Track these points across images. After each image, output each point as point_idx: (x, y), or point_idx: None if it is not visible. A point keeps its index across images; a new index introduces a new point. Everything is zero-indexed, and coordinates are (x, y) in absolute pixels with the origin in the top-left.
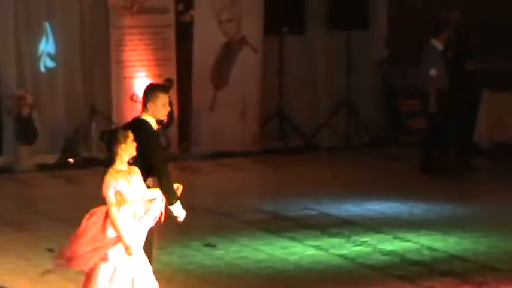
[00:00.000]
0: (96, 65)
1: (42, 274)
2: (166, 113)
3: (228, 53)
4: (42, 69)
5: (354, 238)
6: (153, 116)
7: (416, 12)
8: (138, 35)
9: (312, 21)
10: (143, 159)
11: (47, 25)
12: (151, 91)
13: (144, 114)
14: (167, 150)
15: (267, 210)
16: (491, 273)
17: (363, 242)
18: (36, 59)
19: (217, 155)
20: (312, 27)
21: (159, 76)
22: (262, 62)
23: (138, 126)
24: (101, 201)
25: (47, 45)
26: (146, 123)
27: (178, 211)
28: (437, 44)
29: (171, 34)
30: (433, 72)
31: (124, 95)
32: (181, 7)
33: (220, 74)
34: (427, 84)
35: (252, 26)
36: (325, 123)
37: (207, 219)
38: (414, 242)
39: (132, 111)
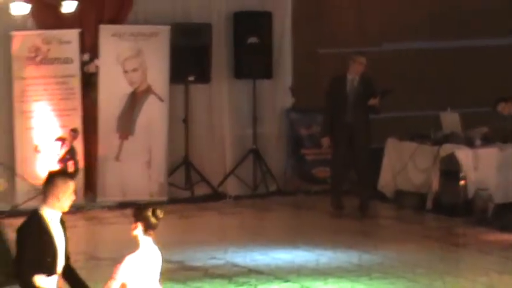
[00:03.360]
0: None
1: None
2: (71, 203)
3: (133, 102)
4: None
5: (261, 287)
6: (55, 207)
7: (321, 61)
8: (43, 85)
9: (218, 70)
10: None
11: None
12: (51, 181)
13: (42, 205)
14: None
15: (174, 260)
16: None
17: None
18: None
19: (123, 205)
20: (217, 76)
21: (65, 126)
22: (168, 110)
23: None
24: None
25: None
26: (34, 220)
27: None
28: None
29: (76, 84)
30: None
31: (28, 146)
32: (86, 57)
33: (126, 123)
34: None
35: (157, 75)
36: (231, 172)
37: (111, 270)
38: None
39: (37, 162)
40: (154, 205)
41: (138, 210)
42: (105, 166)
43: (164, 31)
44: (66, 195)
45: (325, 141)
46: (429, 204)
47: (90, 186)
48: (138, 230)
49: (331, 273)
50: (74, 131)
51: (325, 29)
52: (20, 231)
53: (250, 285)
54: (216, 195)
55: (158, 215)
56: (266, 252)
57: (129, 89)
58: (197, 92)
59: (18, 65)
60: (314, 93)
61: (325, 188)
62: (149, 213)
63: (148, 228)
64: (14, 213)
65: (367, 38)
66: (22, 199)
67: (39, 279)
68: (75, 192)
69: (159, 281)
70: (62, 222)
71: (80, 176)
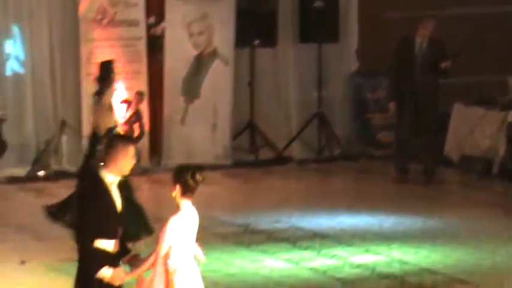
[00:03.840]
0: (66, 77)
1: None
2: (131, 167)
3: (199, 65)
4: (9, 72)
5: (324, 251)
6: (115, 171)
7: (387, 25)
8: (109, 48)
9: (284, 34)
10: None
11: (15, 27)
12: (112, 143)
13: (103, 168)
14: (138, 163)
15: (238, 224)
16: (460, 286)
17: (333, 255)
18: (1, 61)
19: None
20: (283, 40)
21: (130, 89)
22: (233, 74)
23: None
24: None
25: (14, 48)
26: (94, 184)
27: None
28: None
29: (142, 47)
30: None
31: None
32: (152, 20)
33: (192, 86)
34: None
35: (223, 39)
36: (296, 136)
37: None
38: (385, 255)
39: None
40: (195, 168)
41: (178, 172)
42: (170, 129)
43: None
44: (125, 160)
45: (392, 105)
46: (495, 169)
47: (155, 149)
48: (177, 192)
49: (395, 238)
50: (139, 93)
51: None
52: (82, 195)
53: (314, 249)
54: (281, 159)
55: (197, 179)
56: (330, 217)
57: (194, 52)
58: (262, 56)
59: (85, 27)
60: (379, 57)
61: (389, 153)
62: (188, 176)
63: (186, 191)
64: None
65: (432, 1)
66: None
67: (100, 242)
68: (140, 155)
69: (197, 243)
70: (121, 186)
71: (145, 138)
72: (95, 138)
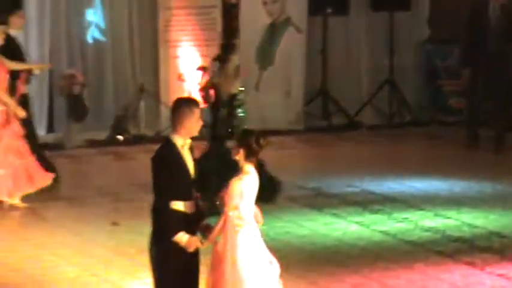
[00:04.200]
0: (145, 44)
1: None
2: (199, 128)
3: (272, 33)
4: (90, 40)
5: (395, 215)
6: (184, 134)
7: None
8: (185, 16)
9: (356, 2)
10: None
11: None
12: (178, 107)
13: (173, 132)
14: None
15: (311, 187)
16: None
17: (404, 218)
18: (83, 29)
19: (262, 133)
20: (355, 9)
21: (206, 56)
22: (306, 42)
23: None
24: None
25: (95, 17)
26: (166, 148)
27: None
28: None
29: (217, 15)
30: None
31: (171, 75)
32: None
33: (265, 54)
34: None
35: (296, 7)
36: (368, 102)
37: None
38: (455, 219)
39: (180, 90)
40: (259, 133)
41: (242, 137)
42: (244, 95)
43: None
44: (192, 122)
45: (465, 71)
46: None
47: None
48: (240, 155)
49: (465, 203)
50: (215, 59)
51: None
52: (155, 159)
53: (385, 212)
54: (352, 125)
55: (261, 143)
56: (401, 181)
57: (268, 20)
58: (335, 24)
59: None
60: (451, 25)
61: (460, 119)
62: (252, 140)
63: (249, 154)
64: (158, 139)
65: None
66: (165, 125)
67: (175, 204)
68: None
69: (255, 205)
70: (191, 149)
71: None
72: (218, 103)
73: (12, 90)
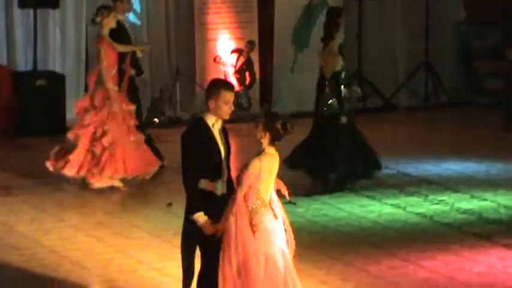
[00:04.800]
0: (180, 28)
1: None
2: (230, 112)
3: (308, 15)
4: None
5: (431, 197)
6: (215, 115)
7: None
8: None
9: None
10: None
11: None
12: (212, 87)
13: (205, 112)
14: (248, 111)
15: None
16: None
17: (440, 200)
18: None
19: (298, 115)
20: None
21: (241, 38)
22: (342, 24)
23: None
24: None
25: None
26: (195, 125)
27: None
28: None
29: None
30: None
31: (207, 57)
32: None
33: (301, 36)
34: None
35: None
36: (403, 84)
37: (288, 178)
38: (491, 201)
39: (215, 73)
40: (286, 118)
41: (269, 120)
42: (280, 77)
43: None
44: (224, 104)
45: (509, 52)
46: None
47: (265, 97)
48: (265, 139)
49: (501, 185)
50: (250, 43)
51: None
52: (184, 136)
53: (421, 194)
54: (388, 107)
55: (288, 129)
56: (436, 163)
57: (304, 2)
58: (371, 7)
59: None
60: (486, 6)
61: (496, 101)
62: (279, 125)
63: (275, 138)
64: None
65: None
66: (201, 108)
67: (203, 182)
68: (251, 102)
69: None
70: (225, 131)
71: (256, 87)
72: (322, 81)
73: (120, 73)
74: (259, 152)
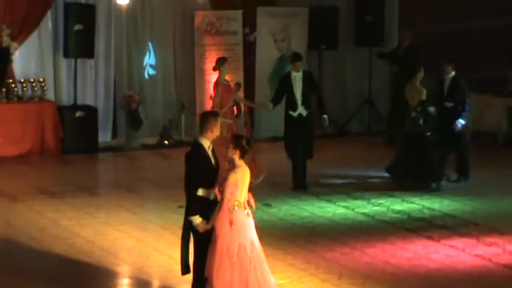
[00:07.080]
0: (185, 73)
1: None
2: (218, 133)
3: (281, 63)
4: (146, 76)
5: (373, 200)
6: (209, 139)
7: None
8: (215, 51)
9: (343, 40)
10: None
11: (149, 43)
12: (205, 118)
13: (201, 137)
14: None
15: (310, 181)
16: (474, 227)
17: (379, 203)
18: (142, 68)
19: (274, 139)
20: (343, 45)
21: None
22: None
23: (191, 148)
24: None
25: (149, 59)
26: (196, 148)
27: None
28: None
29: (239, 50)
30: None
31: (205, 95)
32: (247, 30)
33: (274, 79)
34: None
35: (299, 44)
36: (352, 116)
37: (265, 186)
38: (417, 204)
39: (210, 105)
40: (247, 137)
41: (237, 140)
42: (260, 110)
43: (304, 12)
44: (216, 128)
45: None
46: None
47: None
48: (236, 155)
49: (426, 191)
50: (238, 84)
51: None
52: (187, 155)
53: (365, 198)
54: (341, 133)
55: (251, 144)
56: (378, 173)
57: (278, 54)
58: (327, 57)
59: (198, 36)
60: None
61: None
62: (244, 143)
63: (243, 153)
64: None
65: None
66: None
67: (200, 190)
68: (239, 128)
69: (250, 193)
70: (214, 152)
71: (241, 117)
72: (408, 107)
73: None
74: (233, 167)
